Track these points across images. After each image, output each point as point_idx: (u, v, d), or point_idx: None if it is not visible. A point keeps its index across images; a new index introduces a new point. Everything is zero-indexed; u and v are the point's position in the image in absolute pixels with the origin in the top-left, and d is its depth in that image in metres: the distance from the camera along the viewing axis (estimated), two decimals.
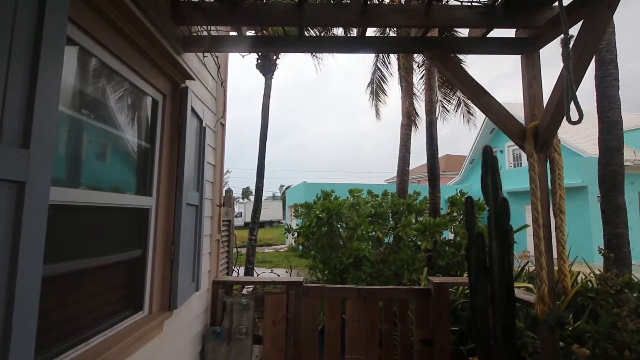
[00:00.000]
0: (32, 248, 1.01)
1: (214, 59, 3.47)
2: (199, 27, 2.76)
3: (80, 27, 1.55)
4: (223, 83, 3.79)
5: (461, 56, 10.26)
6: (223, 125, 3.81)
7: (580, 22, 2.07)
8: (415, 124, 12.04)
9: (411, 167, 11.47)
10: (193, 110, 2.71)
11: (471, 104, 11.88)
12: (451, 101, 13.25)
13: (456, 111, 13.55)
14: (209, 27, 2.77)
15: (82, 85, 1.68)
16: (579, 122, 1.80)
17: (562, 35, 1.86)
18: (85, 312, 1.72)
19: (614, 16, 2.15)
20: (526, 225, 4.60)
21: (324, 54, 11.07)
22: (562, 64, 1.90)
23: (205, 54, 3.16)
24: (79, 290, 1.68)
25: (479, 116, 14.50)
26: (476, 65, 23.87)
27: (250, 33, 3.15)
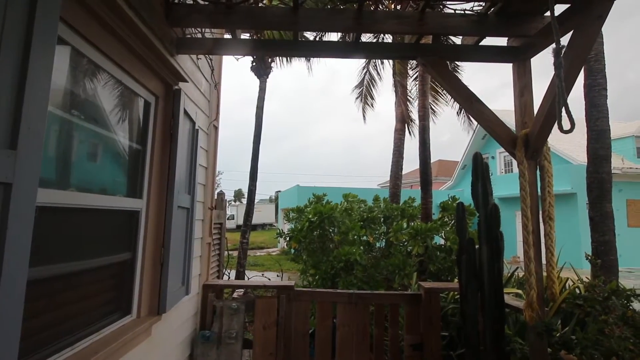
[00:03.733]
0: (18, 250, 1.00)
1: (207, 61, 3.45)
2: (193, 29, 2.75)
3: (72, 27, 1.54)
4: (217, 85, 3.78)
5: (460, 63, 10.35)
6: (216, 128, 3.79)
7: (571, 32, 2.11)
8: (409, 129, 12.09)
9: (404, 171, 11.52)
10: (186, 112, 2.69)
11: None
12: (444, 107, 13.29)
13: (458, 114, 13.53)
14: (203, 29, 2.76)
15: (72, 85, 1.66)
16: (570, 131, 1.78)
17: (554, 45, 1.88)
18: (72, 316, 1.69)
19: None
20: None
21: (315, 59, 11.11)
22: (551, 75, 1.92)
23: (199, 56, 3.15)
24: (66, 294, 1.66)
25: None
26: (481, 73, 23.98)
27: (245, 36, 3.15)
